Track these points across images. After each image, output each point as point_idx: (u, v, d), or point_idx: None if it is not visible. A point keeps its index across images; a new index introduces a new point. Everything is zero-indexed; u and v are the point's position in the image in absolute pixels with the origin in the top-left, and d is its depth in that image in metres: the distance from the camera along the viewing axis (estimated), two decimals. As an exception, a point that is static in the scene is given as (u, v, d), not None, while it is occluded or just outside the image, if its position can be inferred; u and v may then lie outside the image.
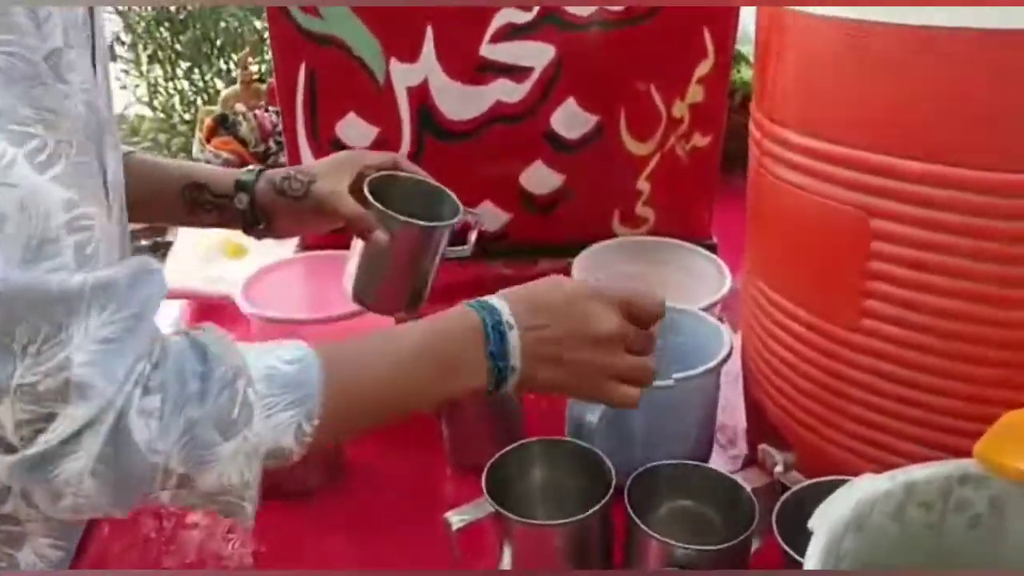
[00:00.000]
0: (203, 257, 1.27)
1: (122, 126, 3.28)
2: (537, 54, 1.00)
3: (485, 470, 0.72)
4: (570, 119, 1.03)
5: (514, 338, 0.61)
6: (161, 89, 3.19)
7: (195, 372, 0.51)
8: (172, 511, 0.84)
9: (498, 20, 0.98)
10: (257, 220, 0.85)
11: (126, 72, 3.19)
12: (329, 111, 1.03)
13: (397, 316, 0.88)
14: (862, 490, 0.57)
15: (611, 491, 0.69)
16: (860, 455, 0.71)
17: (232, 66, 3.07)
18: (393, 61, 1.00)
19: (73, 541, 0.73)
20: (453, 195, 0.86)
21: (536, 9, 0.97)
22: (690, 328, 0.93)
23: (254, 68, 1.94)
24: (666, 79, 1.02)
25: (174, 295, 1.13)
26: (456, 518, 0.68)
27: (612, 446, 0.82)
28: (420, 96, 1.02)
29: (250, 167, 0.87)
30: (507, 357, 0.61)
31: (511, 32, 0.98)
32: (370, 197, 0.80)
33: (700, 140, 1.07)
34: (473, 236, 0.93)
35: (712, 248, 1.10)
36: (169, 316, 1.17)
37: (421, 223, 0.81)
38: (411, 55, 0.99)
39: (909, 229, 0.62)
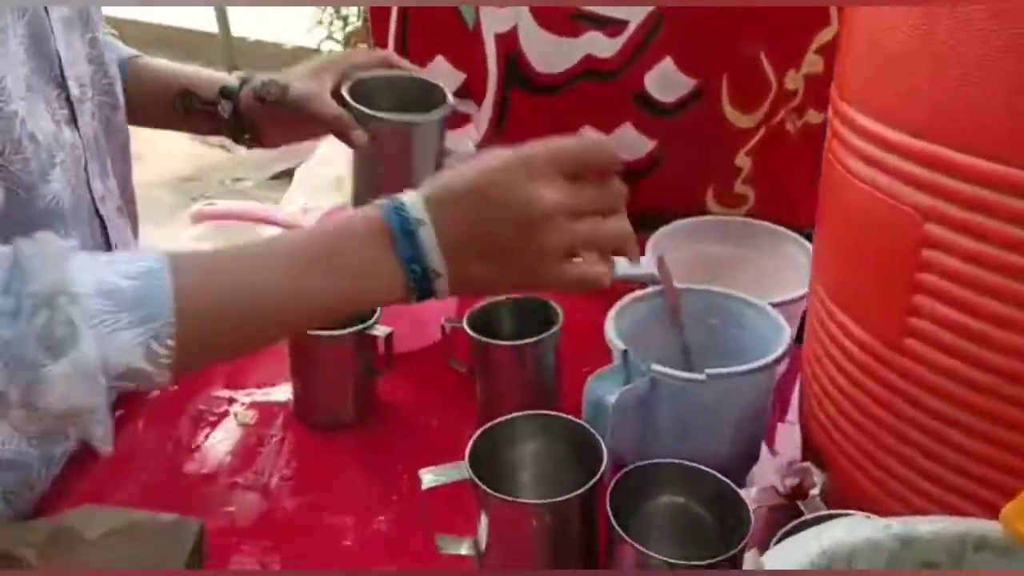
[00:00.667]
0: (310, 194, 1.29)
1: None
2: (635, 7, 0.92)
3: (474, 435, 0.68)
4: (665, 80, 0.95)
5: (427, 235, 0.53)
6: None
7: (5, 289, 0.48)
8: (202, 427, 0.87)
9: (595, -33, 0.91)
10: (243, 128, 0.83)
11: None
12: (418, 52, 1.00)
13: None
14: (836, 535, 0.49)
15: (598, 477, 0.63)
16: (888, 491, 0.61)
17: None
18: (484, 7, 0.95)
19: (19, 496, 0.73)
20: (445, 89, 0.79)
21: (637, -42, 0.90)
22: (752, 322, 0.84)
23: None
24: (780, 45, 0.92)
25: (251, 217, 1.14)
26: (429, 477, 0.65)
27: (634, 436, 0.76)
28: (508, 43, 0.97)
29: (239, 73, 0.84)
30: (421, 259, 0.54)
31: (611, -16, 0.91)
32: (347, 96, 0.75)
33: (815, 117, 0.95)
34: (473, 130, 0.87)
35: (809, 237, 0.99)
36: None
37: (397, 118, 0.74)
38: (502, -1, 0.95)
39: (964, 239, 0.52)
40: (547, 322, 0.87)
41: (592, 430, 0.69)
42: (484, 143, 1.03)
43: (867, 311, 0.60)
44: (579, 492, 0.63)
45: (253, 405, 0.91)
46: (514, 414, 0.71)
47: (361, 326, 0.84)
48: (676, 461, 0.66)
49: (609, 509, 0.62)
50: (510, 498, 0.65)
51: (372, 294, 0.56)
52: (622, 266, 0.77)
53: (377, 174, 0.78)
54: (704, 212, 1.02)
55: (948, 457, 0.56)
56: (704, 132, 0.97)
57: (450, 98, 0.78)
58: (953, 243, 0.53)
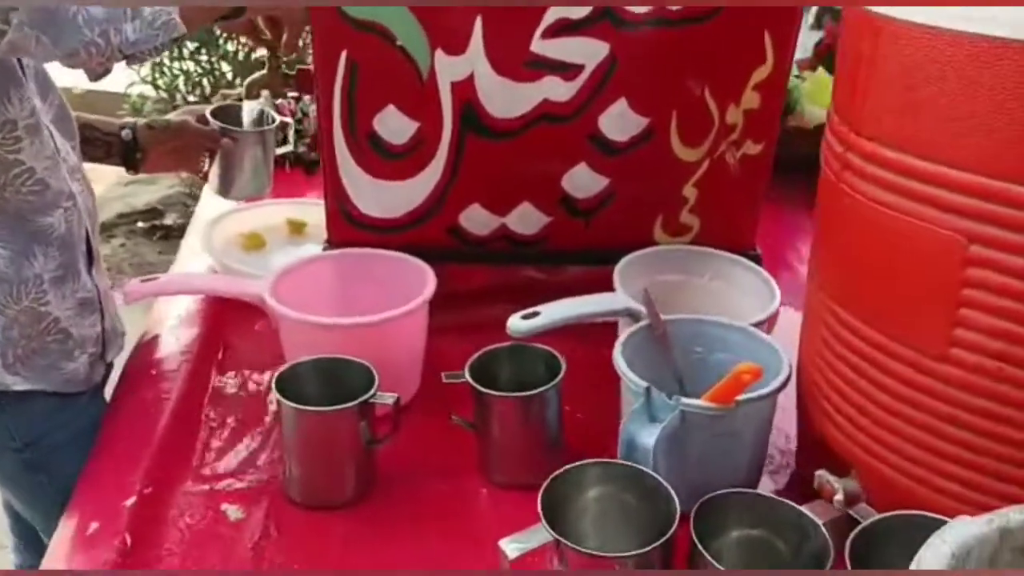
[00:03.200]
0: (220, 251, 1.22)
1: (123, 105, 3.22)
2: (590, 51, 0.95)
3: (540, 493, 0.68)
4: (619, 121, 0.99)
5: None
6: (165, 69, 3.13)
7: None
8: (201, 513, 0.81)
9: (551, 15, 0.93)
10: (135, 150, 1.15)
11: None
12: (368, 103, 0.98)
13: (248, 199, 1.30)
14: (959, 536, 0.53)
15: (676, 523, 0.65)
16: (933, 487, 0.67)
17: (240, 48, 3.01)
18: (439, 53, 0.95)
19: (15, 243, 0.94)
20: (273, 111, 1.28)
21: (593, 4, 0.93)
22: (739, 345, 0.90)
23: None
24: (721, 83, 0.98)
25: (191, 290, 1.08)
26: (513, 546, 0.64)
27: (664, 468, 0.78)
28: (464, 92, 0.97)
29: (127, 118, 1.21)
30: None
31: (565, 28, 0.94)
32: (211, 118, 1.20)
33: (752, 148, 1.02)
34: (290, 135, 1.47)
35: (756, 259, 1.06)
36: (188, 309, 1.12)
37: (251, 130, 1.24)
38: (458, 47, 0.95)
39: (1013, 258, 0.59)
40: (548, 368, 0.88)
41: (650, 472, 0.71)
42: (440, 186, 1.03)
43: (909, 328, 0.66)
44: (666, 538, 0.64)
45: (235, 494, 0.85)
46: (575, 464, 0.71)
47: (365, 397, 0.81)
48: (741, 490, 0.70)
49: (696, 540, 0.64)
50: (601, 554, 0.65)
51: None
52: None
53: (237, 167, 1.23)
54: (652, 242, 1.06)
55: (997, 450, 0.63)
56: (653, 167, 1.02)
57: (276, 116, 1.28)
58: (1000, 262, 0.59)
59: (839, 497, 0.76)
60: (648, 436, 0.76)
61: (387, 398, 0.82)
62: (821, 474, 0.78)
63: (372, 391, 0.82)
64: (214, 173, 1.24)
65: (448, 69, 0.96)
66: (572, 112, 0.98)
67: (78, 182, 1.00)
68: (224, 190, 1.25)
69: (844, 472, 0.77)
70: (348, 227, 1.06)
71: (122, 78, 3.12)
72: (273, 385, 0.82)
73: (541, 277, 1.15)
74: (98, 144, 1.13)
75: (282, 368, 0.84)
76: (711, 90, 0.98)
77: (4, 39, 0.82)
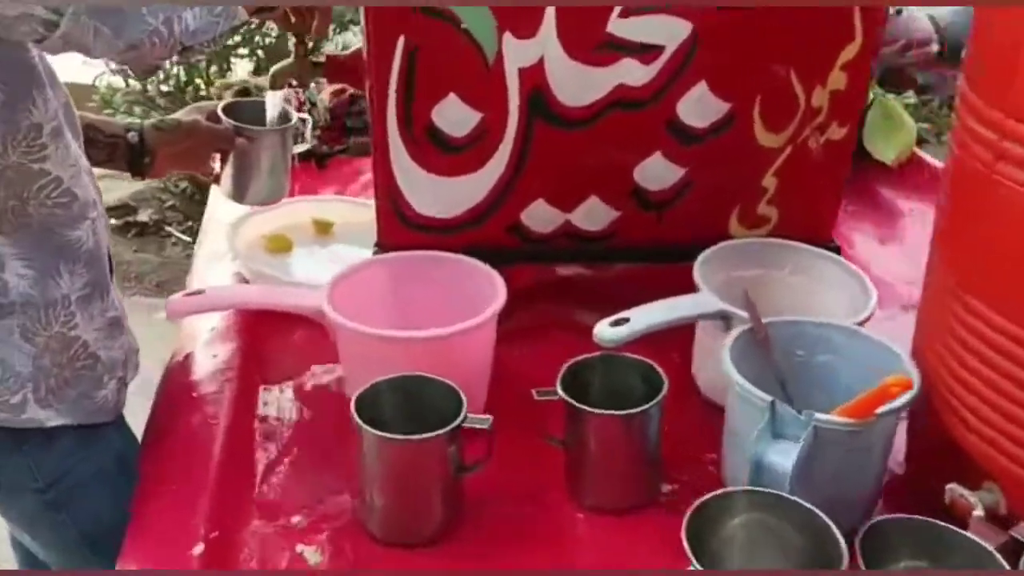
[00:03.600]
0: (246, 255, 1.13)
1: (93, 96, 3.06)
2: (671, 31, 0.87)
3: (685, 524, 0.61)
4: (699, 107, 0.91)
5: None
6: (137, 58, 2.97)
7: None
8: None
9: (631, -9, 0.85)
10: (143, 153, 1.02)
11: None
12: (427, 93, 0.89)
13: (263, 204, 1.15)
14: None
15: (845, 558, 0.59)
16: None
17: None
18: (507, 36, 0.86)
19: (40, 261, 0.83)
20: (290, 107, 1.13)
21: (676, -20, 0.85)
22: (845, 347, 0.83)
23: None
24: (808, 63, 0.91)
25: (241, 304, 0.98)
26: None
27: (796, 490, 0.71)
28: (533, 78, 0.89)
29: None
30: None
31: (645, 4, 0.86)
32: (223, 115, 1.07)
33: (836, 132, 0.96)
34: (308, 133, 1.22)
35: (836, 251, 1.00)
36: (220, 321, 1.03)
37: (268, 128, 1.08)
38: (529, 29, 0.86)
39: None
40: (644, 380, 0.81)
41: (806, 504, 0.64)
42: (503, 181, 0.94)
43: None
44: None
45: (309, 530, 0.76)
46: (720, 492, 0.64)
47: (457, 421, 0.73)
48: (912, 517, 0.63)
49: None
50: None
51: None
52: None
53: (254, 169, 1.08)
54: (726, 235, 0.99)
55: None
56: (733, 156, 0.95)
57: (293, 114, 1.12)
58: None
59: (979, 513, 0.70)
60: (782, 457, 0.69)
61: (481, 422, 0.75)
62: (953, 488, 0.72)
63: (462, 414, 0.74)
64: (227, 175, 1.10)
65: (516, 53, 0.87)
66: (649, 97, 0.91)
67: (95, 187, 0.90)
68: (238, 194, 1.11)
69: (976, 483, 0.72)
70: (401, 228, 0.97)
71: (89, 68, 2.97)
72: (353, 410, 0.74)
73: (588, 274, 1.08)
74: (100, 147, 1.00)
75: (361, 390, 0.75)
76: (797, 71, 0.91)
77: (57, 32, 0.72)
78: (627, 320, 0.84)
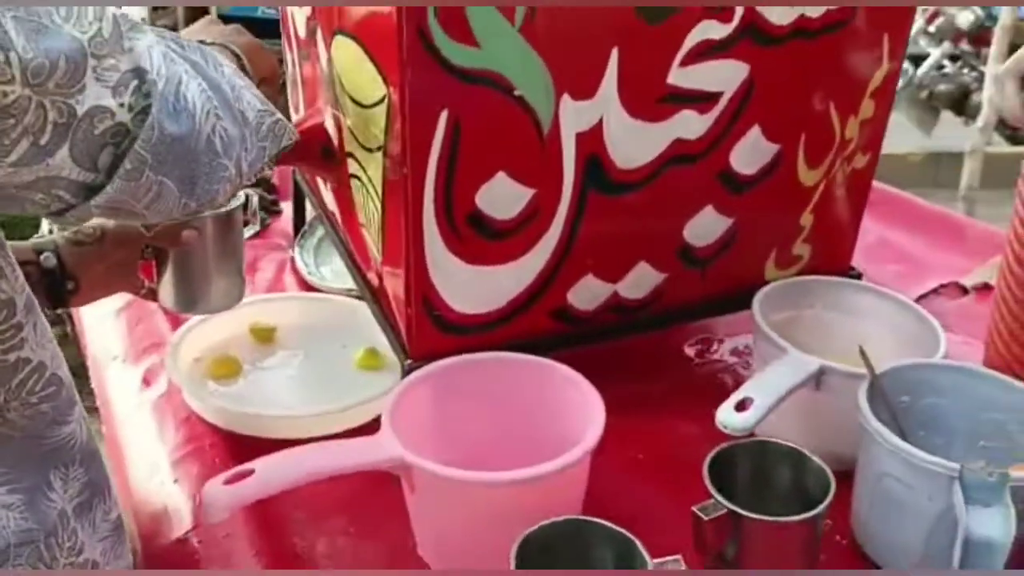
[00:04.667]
0: (197, 389, 0.90)
1: None
2: (729, 76, 0.79)
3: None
4: (751, 152, 0.84)
5: None
6: None
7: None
8: None
9: (694, 37, 0.76)
10: (64, 279, 0.81)
11: None
12: (472, 173, 0.74)
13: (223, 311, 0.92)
14: None
15: None
16: None
17: None
18: (565, 99, 0.74)
19: (27, 478, 0.60)
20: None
21: (736, 20, 0.76)
22: (952, 387, 0.80)
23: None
24: (844, 94, 0.87)
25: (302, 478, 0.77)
26: None
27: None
28: (590, 143, 0.77)
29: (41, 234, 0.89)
30: None
31: (706, 50, 0.77)
32: None
33: (860, 160, 0.92)
34: (254, 215, 1.12)
35: (857, 278, 0.97)
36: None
37: (215, 212, 0.82)
38: (588, 88, 0.74)
39: None
40: (793, 468, 0.72)
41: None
42: (553, 261, 0.81)
43: None
44: None
45: None
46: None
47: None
48: None
49: None
50: None
51: None
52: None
53: (201, 265, 0.85)
54: (762, 281, 0.93)
55: None
56: (777, 198, 0.89)
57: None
58: None
59: None
60: (990, 528, 0.64)
61: (674, 563, 0.62)
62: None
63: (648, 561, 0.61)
64: (167, 283, 0.86)
65: (574, 117, 0.75)
66: (703, 149, 0.82)
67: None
68: (190, 302, 0.87)
69: None
70: (436, 334, 0.81)
71: None
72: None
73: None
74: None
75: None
76: (836, 103, 0.86)
77: (97, 199, 0.50)
78: (750, 400, 0.75)
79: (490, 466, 0.68)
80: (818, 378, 0.80)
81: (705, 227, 0.87)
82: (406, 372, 0.79)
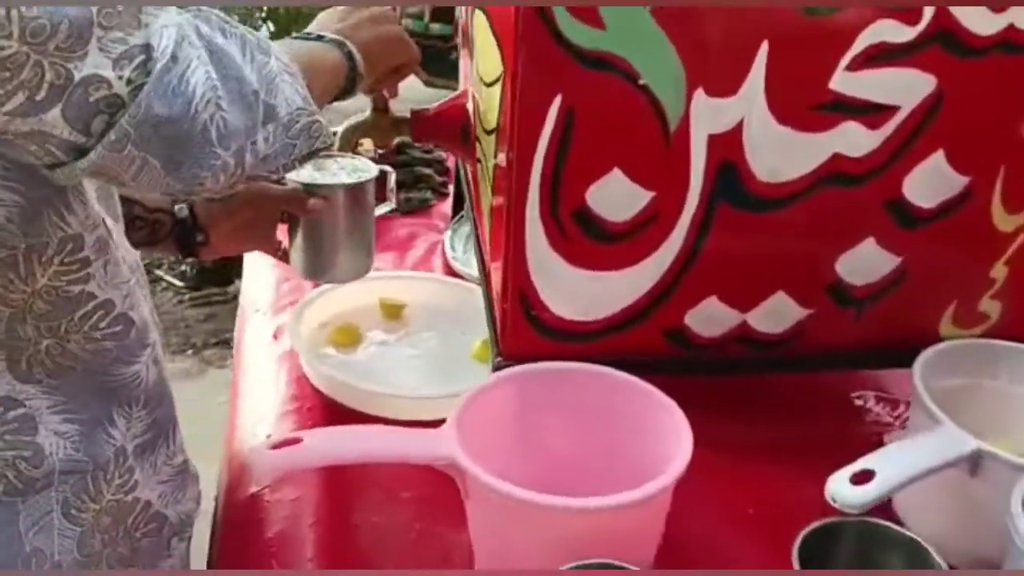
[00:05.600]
0: (309, 354, 0.90)
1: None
2: (910, 88, 0.67)
3: None
4: (931, 181, 0.71)
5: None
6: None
7: None
8: None
9: (867, 37, 0.64)
10: (195, 230, 0.82)
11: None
12: (584, 167, 0.68)
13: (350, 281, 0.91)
14: None
15: None
16: None
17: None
18: (698, 95, 0.65)
19: (87, 411, 0.62)
20: (364, 157, 0.89)
21: (924, 23, 0.64)
22: None
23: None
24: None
25: (349, 457, 0.75)
26: None
27: None
28: (725, 147, 0.67)
29: None
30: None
31: (882, 55, 0.65)
32: (292, 175, 0.81)
33: (1074, 206, 0.76)
34: (392, 193, 1.04)
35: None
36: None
37: (347, 182, 0.82)
38: (728, 85, 0.65)
39: None
40: (907, 556, 0.60)
41: None
42: (670, 275, 0.73)
43: None
44: None
45: None
46: None
47: None
48: None
49: None
50: None
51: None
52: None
53: (333, 237, 0.85)
54: (935, 338, 0.78)
55: None
56: (962, 241, 0.74)
57: (372, 166, 0.86)
58: None
59: None
60: None
61: None
62: None
63: None
64: (297, 248, 0.85)
65: (708, 117, 0.66)
66: (869, 170, 0.70)
67: (149, 299, 0.67)
68: (317, 270, 0.87)
69: None
70: (532, 334, 0.75)
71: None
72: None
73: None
74: (139, 226, 0.80)
75: None
76: (1051, 135, 0.71)
77: (83, 162, 0.51)
78: (872, 474, 0.63)
79: (559, 484, 0.62)
80: (975, 462, 0.66)
81: (864, 262, 0.74)
82: (494, 369, 0.74)
